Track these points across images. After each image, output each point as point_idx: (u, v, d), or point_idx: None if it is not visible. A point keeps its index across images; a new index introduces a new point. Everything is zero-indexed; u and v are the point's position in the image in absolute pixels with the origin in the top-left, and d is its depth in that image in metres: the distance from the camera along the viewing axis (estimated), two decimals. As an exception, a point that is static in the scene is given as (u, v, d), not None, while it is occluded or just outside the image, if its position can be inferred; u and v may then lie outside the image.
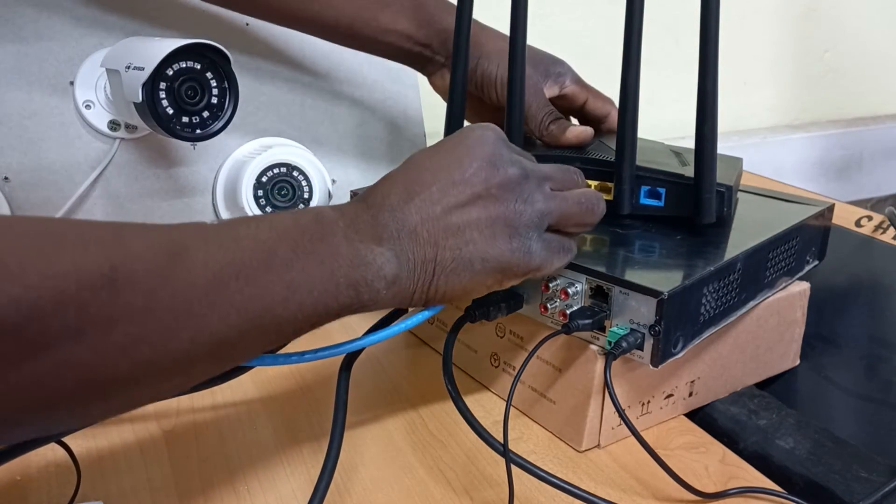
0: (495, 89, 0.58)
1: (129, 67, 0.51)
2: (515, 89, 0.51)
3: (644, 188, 0.50)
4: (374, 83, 0.70)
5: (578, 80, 0.61)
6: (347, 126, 0.70)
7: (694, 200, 0.49)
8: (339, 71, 0.69)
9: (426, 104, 0.75)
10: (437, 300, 0.38)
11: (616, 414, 0.41)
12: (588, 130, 0.56)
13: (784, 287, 0.53)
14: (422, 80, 0.68)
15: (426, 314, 0.41)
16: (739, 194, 0.60)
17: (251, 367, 0.40)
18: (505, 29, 0.51)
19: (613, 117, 0.60)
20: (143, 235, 0.29)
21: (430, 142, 0.72)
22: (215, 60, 0.52)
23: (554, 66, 0.60)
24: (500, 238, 0.37)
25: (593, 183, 0.52)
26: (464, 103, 0.54)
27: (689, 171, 0.49)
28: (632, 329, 0.42)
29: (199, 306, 0.29)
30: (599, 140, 0.57)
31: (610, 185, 0.51)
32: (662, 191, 0.50)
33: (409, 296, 0.37)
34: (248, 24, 0.65)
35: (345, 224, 0.35)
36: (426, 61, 0.61)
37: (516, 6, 0.50)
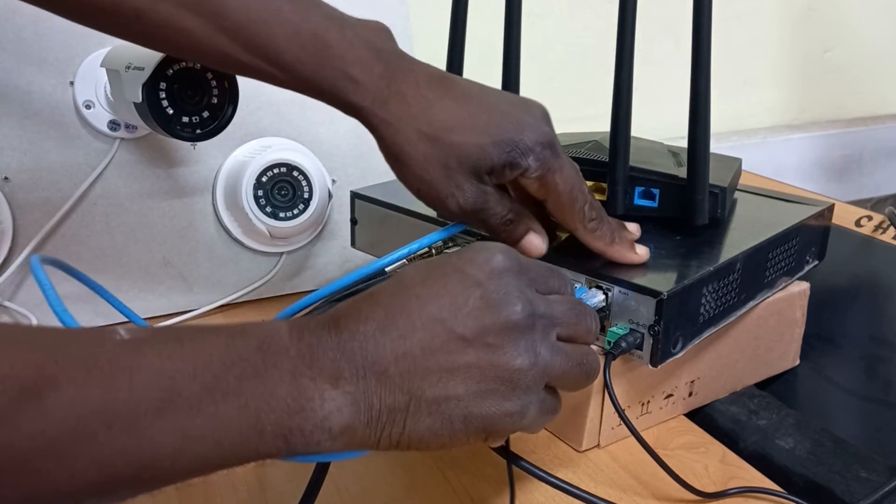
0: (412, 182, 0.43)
1: (129, 67, 0.51)
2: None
3: (638, 189, 0.50)
4: (373, 83, 0.70)
5: (545, 164, 0.40)
6: (347, 126, 0.70)
7: (686, 202, 0.49)
8: (339, 71, 0.69)
9: (426, 104, 0.75)
10: (407, 448, 0.31)
11: (616, 414, 0.41)
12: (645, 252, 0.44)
13: (784, 287, 0.53)
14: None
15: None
16: (739, 194, 0.60)
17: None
18: (499, 32, 0.51)
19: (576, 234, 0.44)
20: (8, 356, 0.23)
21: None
22: (215, 60, 0.52)
23: (518, 137, 0.40)
24: (492, 397, 0.30)
25: (588, 183, 0.52)
26: None
27: (683, 172, 0.49)
28: (631, 329, 0.42)
29: (42, 461, 0.23)
30: (595, 140, 0.57)
31: (604, 185, 0.51)
32: (657, 192, 0.50)
33: (372, 444, 0.30)
34: (247, 25, 0.65)
35: (297, 353, 0.28)
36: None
37: (510, 5, 0.50)
